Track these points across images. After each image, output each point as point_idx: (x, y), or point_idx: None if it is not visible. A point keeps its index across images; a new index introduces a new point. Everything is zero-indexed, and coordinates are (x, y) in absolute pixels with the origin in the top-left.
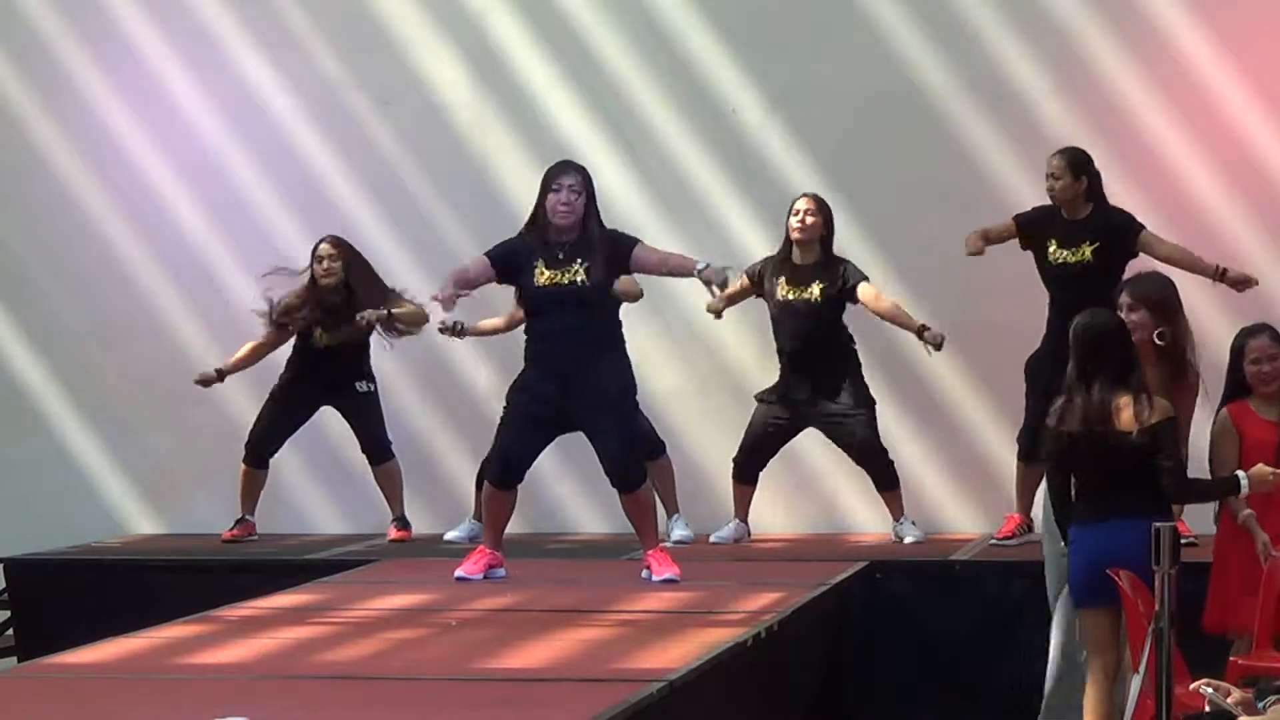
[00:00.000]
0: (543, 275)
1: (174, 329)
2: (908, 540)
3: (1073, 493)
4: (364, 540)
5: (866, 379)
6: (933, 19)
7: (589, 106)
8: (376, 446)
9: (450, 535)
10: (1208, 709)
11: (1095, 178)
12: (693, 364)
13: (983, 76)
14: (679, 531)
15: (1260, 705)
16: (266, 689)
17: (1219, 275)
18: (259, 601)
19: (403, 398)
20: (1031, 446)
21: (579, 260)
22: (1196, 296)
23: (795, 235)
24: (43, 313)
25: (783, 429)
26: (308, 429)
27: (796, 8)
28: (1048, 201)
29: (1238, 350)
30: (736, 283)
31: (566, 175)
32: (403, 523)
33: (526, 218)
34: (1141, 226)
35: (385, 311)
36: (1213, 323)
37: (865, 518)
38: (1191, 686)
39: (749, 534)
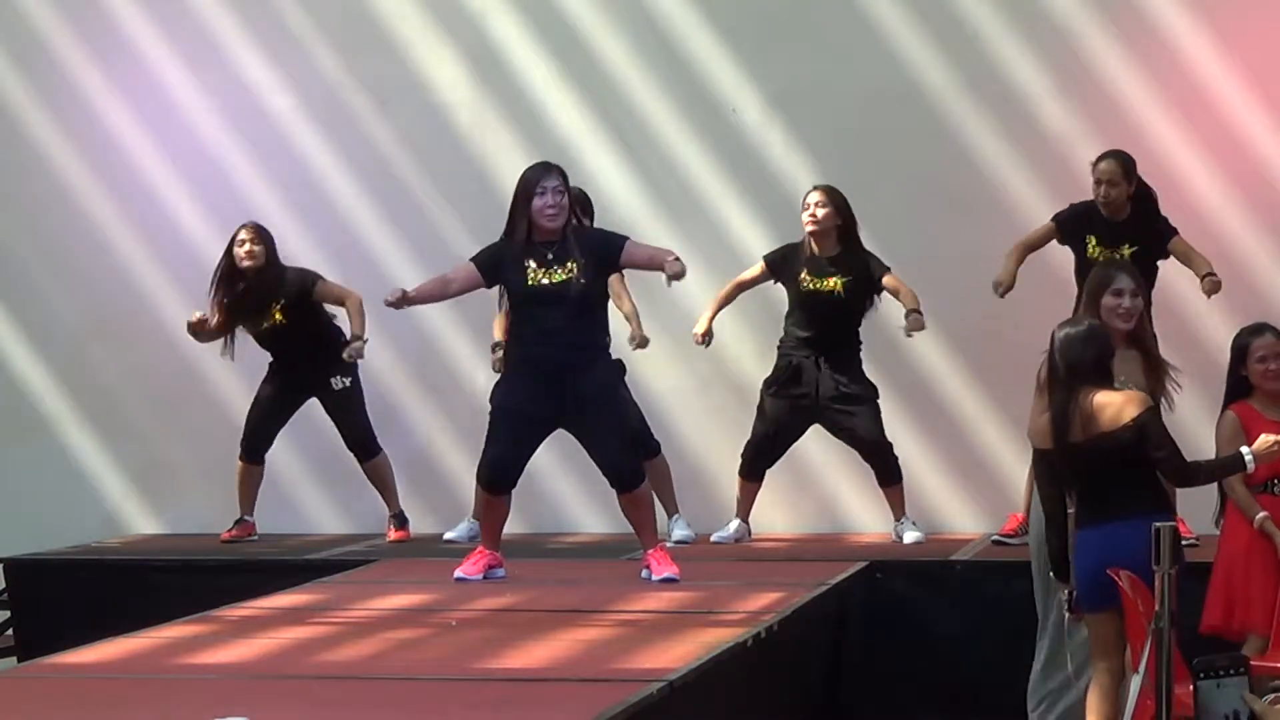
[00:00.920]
0: (535, 275)
1: (174, 329)
2: (908, 540)
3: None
4: (364, 540)
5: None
6: (933, 19)
7: (589, 106)
8: (361, 442)
9: (450, 535)
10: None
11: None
12: (693, 364)
13: (983, 76)
14: (679, 532)
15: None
16: (266, 689)
17: (1202, 278)
18: (259, 601)
19: (402, 397)
20: None
21: (570, 260)
22: (1198, 297)
23: (808, 227)
24: (43, 313)
25: (790, 426)
26: (307, 429)
27: (796, 8)
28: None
29: (1241, 349)
30: (752, 270)
31: (549, 178)
32: (400, 520)
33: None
34: (1175, 232)
35: (360, 342)
36: (1213, 322)
37: (865, 518)
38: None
39: (750, 534)
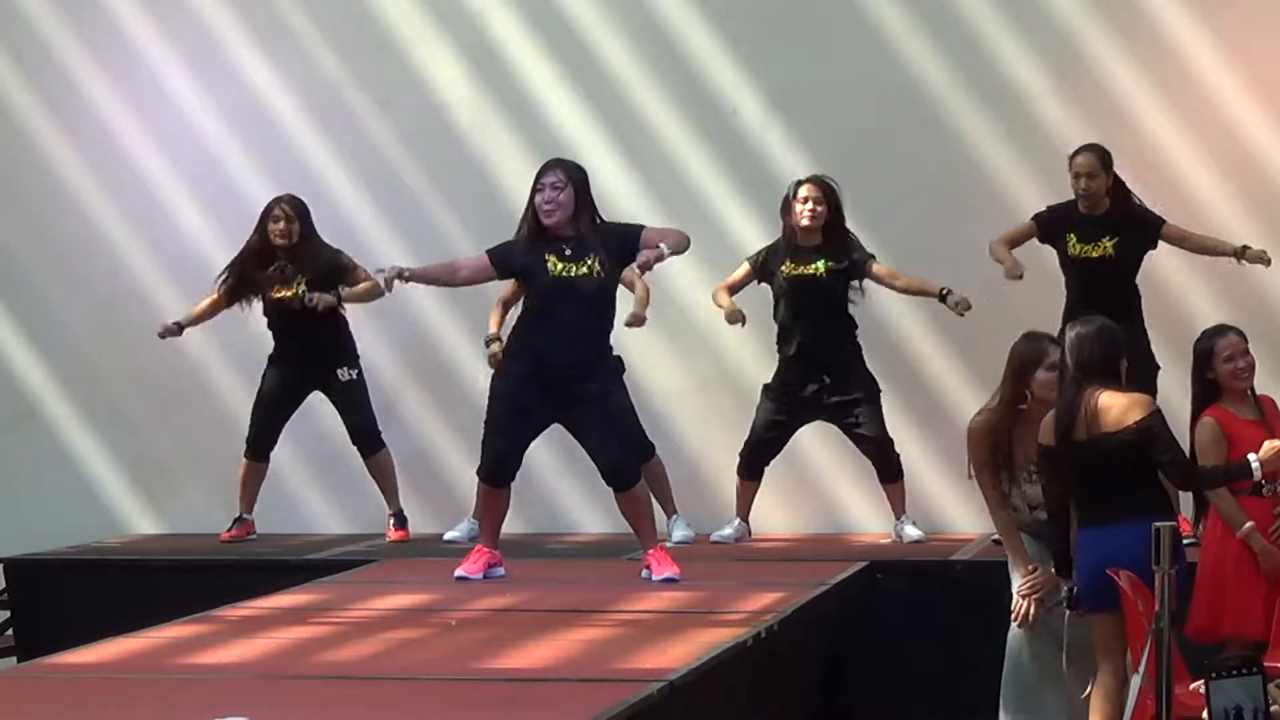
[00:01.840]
0: (556, 268)
1: None
2: (908, 538)
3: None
4: (364, 540)
5: None
6: (933, 19)
7: (589, 106)
8: (365, 436)
9: (450, 535)
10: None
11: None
12: (693, 364)
13: (983, 76)
14: (679, 532)
15: None
16: (266, 689)
17: (1240, 254)
18: (259, 601)
19: (402, 396)
20: None
21: (589, 255)
22: (1197, 294)
23: (805, 224)
24: (43, 312)
25: (787, 423)
26: (307, 429)
27: (796, 8)
28: (1049, 198)
29: (1205, 353)
30: (738, 271)
31: (547, 174)
32: (400, 520)
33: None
34: (1163, 221)
35: (334, 297)
36: (1213, 321)
37: (865, 518)
38: (1191, 686)
39: (750, 533)
